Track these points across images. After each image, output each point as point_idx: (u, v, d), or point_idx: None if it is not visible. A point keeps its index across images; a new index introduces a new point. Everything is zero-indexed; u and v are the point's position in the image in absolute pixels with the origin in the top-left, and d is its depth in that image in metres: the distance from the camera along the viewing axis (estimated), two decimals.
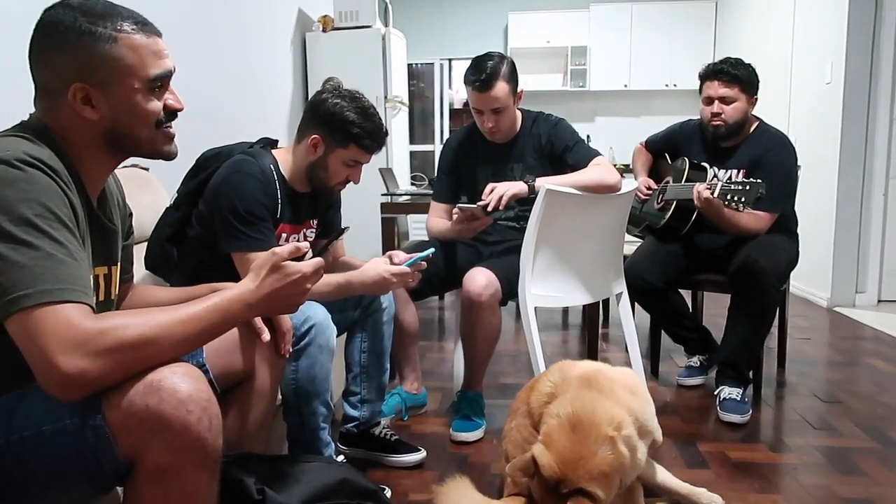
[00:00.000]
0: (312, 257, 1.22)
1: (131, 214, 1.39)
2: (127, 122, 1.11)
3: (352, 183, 1.93)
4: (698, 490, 1.81)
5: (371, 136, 1.85)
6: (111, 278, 1.22)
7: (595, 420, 1.51)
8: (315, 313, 1.67)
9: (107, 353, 0.92)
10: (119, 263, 1.26)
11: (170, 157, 1.20)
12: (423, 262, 1.90)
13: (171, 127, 1.18)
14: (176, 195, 1.89)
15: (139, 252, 1.90)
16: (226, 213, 1.74)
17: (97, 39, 1.05)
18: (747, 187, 2.28)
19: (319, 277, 1.21)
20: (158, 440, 0.94)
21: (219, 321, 1.07)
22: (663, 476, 1.82)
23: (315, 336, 1.65)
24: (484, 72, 2.27)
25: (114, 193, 1.28)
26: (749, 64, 2.61)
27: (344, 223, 2.18)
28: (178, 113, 1.18)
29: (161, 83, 1.13)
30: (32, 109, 1.13)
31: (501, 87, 2.29)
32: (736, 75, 2.55)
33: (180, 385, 0.95)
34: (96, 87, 1.07)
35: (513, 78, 2.33)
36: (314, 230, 2.02)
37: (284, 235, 1.89)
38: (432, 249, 1.94)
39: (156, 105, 1.13)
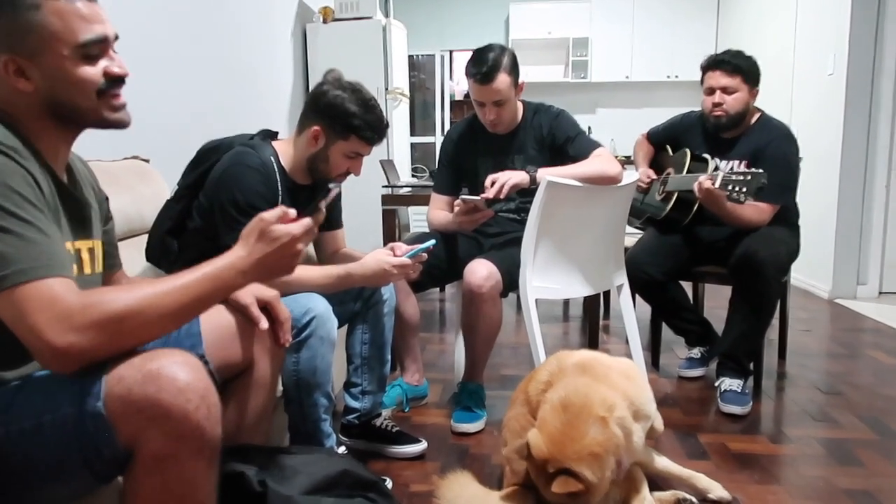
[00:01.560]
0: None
1: (107, 199, 1.37)
2: (63, 92, 1.07)
3: (352, 175, 1.93)
4: (698, 475, 1.82)
5: (372, 127, 1.84)
6: (95, 252, 1.22)
7: (587, 402, 1.52)
8: (316, 305, 1.67)
9: (94, 327, 0.94)
10: (101, 241, 1.25)
11: (120, 125, 1.15)
12: (423, 254, 1.91)
13: (118, 96, 1.13)
14: (176, 187, 1.89)
15: (140, 245, 1.90)
16: (226, 205, 1.73)
17: (19, 8, 1.02)
18: (749, 177, 2.27)
19: (310, 238, 1.20)
20: (157, 428, 0.94)
21: (210, 290, 1.06)
22: (662, 462, 1.83)
23: (316, 328, 1.66)
24: (485, 64, 2.26)
25: (84, 177, 1.27)
26: (751, 56, 2.60)
27: (344, 213, 2.18)
28: (125, 79, 1.13)
29: (97, 49, 1.09)
30: None
31: (503, 80, 2.28)
32: (738, 65, 2.55)
33: (179, 374, 0.96)
34: (25, 57, 1.04)
35: (514, 70, 2.33)
36: None
37: None
38: (433, 241, 1.94)
39: (90, 72, 1.08)
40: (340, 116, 1.81)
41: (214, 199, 1.77)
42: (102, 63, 1.10)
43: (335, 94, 1.82)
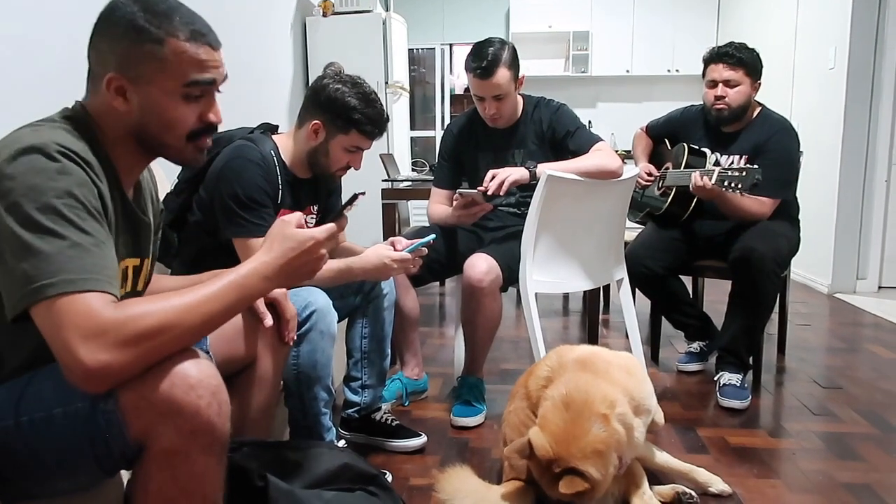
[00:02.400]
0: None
1: (163, 211, 1.38)
2: (155, 124, 1.10)
3: (353, 169, 1.93)
4: (698, 469, 1.83)
5: (372, 121, 1.84)
6: (141, 270, 1.22)
7: (588, 399, 1.52)
8: (316, 299, 1.67)
9: (128, 344, 0.91)
10: (148, 260, 1.25)
11: (193, 164, 1.19)
12: (424, 248, 1.91)
13: (206, 139, 1.16)
14: (176, 181, 1.89)
15: None
16: (227, 198, 1.73)
17: (144, 37, 1.05)
18: (744, 173, 2.28)
19: (334, 243, 1.20)
20: (169, 424, 0.94)
21: (237, 299, 1.05)
22: (662, 457, 1.83)
23: (316, 321, 1.66)
24: (485, 59, 2.25)
25: (147, 188, 1.27)
26: (753, 48, 2.60)
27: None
28: (217, 127, 1.15)
29: (200, 92, 1.11)
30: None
31: (503, 74, 2.27)
32: (741, 58, 2.54)
33: (191, 370, 0.96)
34: (131, 81, 1.06)
35: (514, 64, 2.32)
36: (315, 216, 2.02)
37: None
38: (433, 235, 1.94)
39: (186, 113, 1.10)
40: (341, 110, 1.81)
41: (215, 193, 1.77)
42: (201, 105, 1.12)
43: (335, 88, 1.82)
